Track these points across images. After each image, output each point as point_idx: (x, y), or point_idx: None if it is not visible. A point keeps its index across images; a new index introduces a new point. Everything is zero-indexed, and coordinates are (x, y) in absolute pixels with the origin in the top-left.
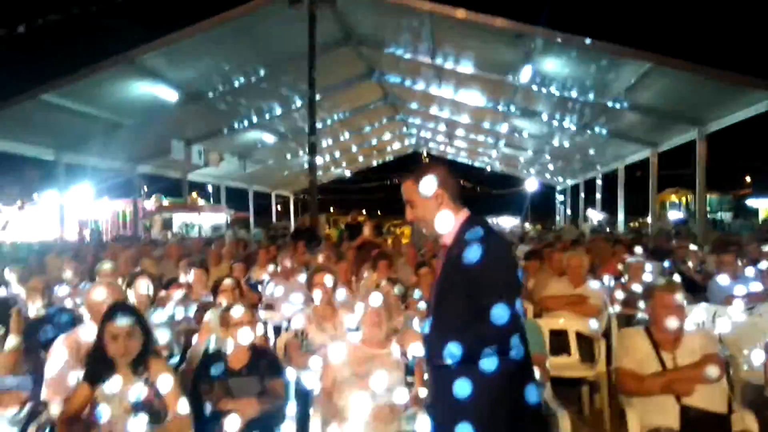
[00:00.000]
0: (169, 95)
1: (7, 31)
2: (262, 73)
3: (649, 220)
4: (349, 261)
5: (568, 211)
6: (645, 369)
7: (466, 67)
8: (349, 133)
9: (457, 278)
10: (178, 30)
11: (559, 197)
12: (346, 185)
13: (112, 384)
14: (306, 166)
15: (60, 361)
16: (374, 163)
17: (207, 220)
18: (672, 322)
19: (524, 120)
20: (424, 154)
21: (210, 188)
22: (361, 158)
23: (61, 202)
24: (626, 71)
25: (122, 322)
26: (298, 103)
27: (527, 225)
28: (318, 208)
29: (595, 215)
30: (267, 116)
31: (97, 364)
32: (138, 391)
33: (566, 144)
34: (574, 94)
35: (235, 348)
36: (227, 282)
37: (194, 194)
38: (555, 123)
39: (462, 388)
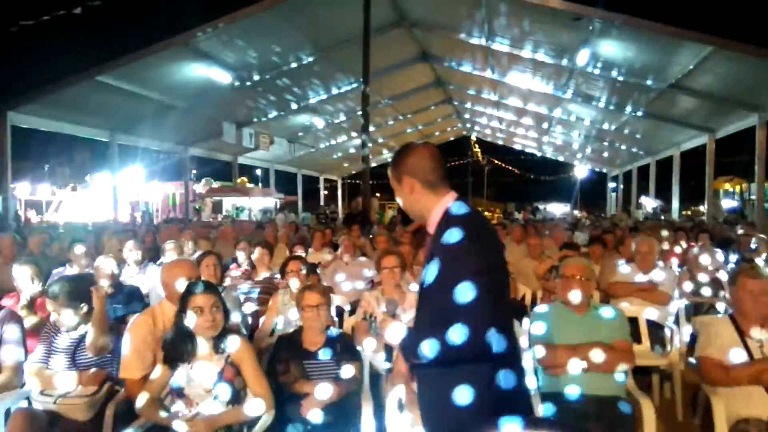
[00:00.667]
0: (222, 77)
1: (65, 12)
2: (313, 55)
3: (703, 207)
4: (406, 245)
5: (618, 199)
6: (730, 358)
7: (521, 51)
8: (399, 117)
9: (434, 268)
10: (233, 11)
11: (611, 184)
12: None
13: (194, 361)
14: (353, 151)
15: (137, 339)
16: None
17: (257, 203)
18: (759, 308)
19: (578, 104)
20: (473, 138)
21: (258, 172)
22: (409, 142)
23: (114, 183)
24: (686, 55)
25: (208, 294)
26: (349, 86)
27: (576, 212)
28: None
29: (649, 202)
30: (317, 100)
31: (179, 341)
32: (219, 368)
33: (620, 129)
34: (631, 78)
35: (310, 330)
36: (295, 263)
37: (243, 178)
38: (610, 108)
39: (434, 390)
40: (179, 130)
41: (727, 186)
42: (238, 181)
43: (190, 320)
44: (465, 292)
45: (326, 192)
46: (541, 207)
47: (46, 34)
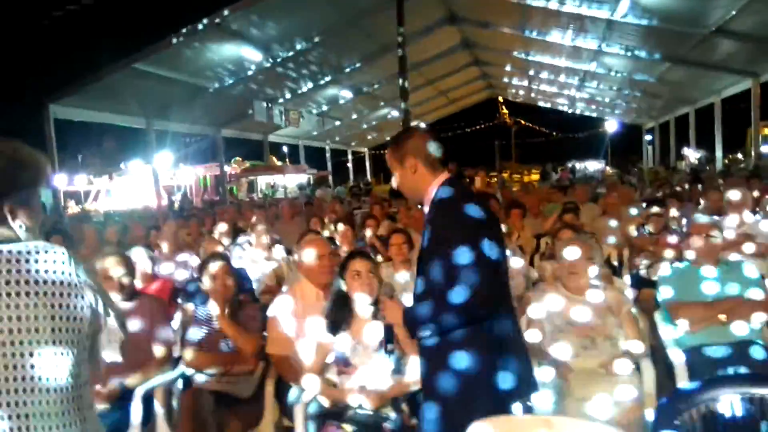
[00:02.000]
0: (253, 55)
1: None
2: (341, 26)
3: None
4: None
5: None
6: None
7: (556, 4)
8: (425, 82)
9: (431, 246)
10: None
11: (647, 137)
12: None
13: (356, 327)
14: (381, 121)
15: (283, 316)
16: (450, 113)
17: (290, 180)
18: None
19: (614, 57)
20: (500, 100)
21: (285, 149)
22: (435, 108)
23: (152, 169)
24: None
25: (365, 260)
26: (377, 55)
27: (608, 168)
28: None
29: (692, 153)
30: (346, 71)
31: (339, 307)
32: (378, 332)
33: (658, 79)
34: (670, 25)
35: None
36: (399, 236)
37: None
38: (648, 57)
39: (437, 364)
40: (211, 112)
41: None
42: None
43: (349, 285)
44: (460, 254)
45: (352, 165)
46: (577, 166)
47: (79, 24)
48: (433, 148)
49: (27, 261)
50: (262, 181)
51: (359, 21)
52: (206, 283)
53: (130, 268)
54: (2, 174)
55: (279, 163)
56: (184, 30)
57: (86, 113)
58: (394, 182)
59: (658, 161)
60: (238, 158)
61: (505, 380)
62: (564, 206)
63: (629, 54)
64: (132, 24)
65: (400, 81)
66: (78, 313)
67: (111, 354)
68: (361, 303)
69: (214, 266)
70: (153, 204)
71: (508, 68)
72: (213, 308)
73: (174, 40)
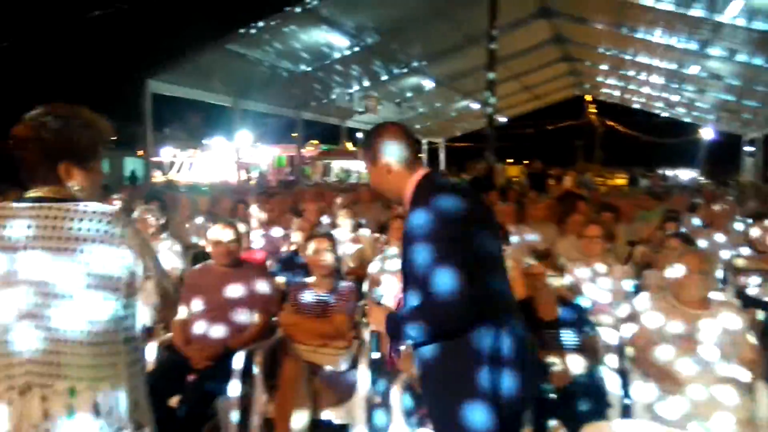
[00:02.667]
0: (340, 42)
1: None
2: (429, 15)
3: None
4: (550, 212)
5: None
6: None
7: (659, 2)
8: (510, 76)
9: (410, 248)
10: None
11: (748, 148)
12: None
13: None
14: (459, 113)
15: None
16: (532, 108)
17: (364, 166)
18: None
19: (716, 60)
20: (589, 98)
21: (360, 135)
22: (518, 103)
23: (235, 146)
24: None
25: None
26: (463, 46)
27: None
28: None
29: None
30: (429, 61)
31: None
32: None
33: (766, 87)
34: None
35: (542, 299)
36: None
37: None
38: (757, 63)
39: (427, 372)
40: (293, 94)
41: None
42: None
43: None
44: (433, 257)
45: (427, 155)
46: (669, 173)
47: (179, 6)
48: (406, 146)
49: (71, 219)
50: (336, 165)
51: (448, 11)
52: (309, 257)
53: (237, 236)
54: (58, 134)
55: (353, 149)
56: (277, 14)
57: (180, 89)
58: (371, 183)
59: (760, 175)
60: (313, 141)
61: (500, 392)
62: (666, 214)
63: (736, 59)
64: (227, 7)
65: (488, 74)
66: (113, 272)
67: (144, 317)
68: None
69: (320, 242)
70: (232, 179)
71: (600, 66)
72: (313, 282)
73: (266, 24)
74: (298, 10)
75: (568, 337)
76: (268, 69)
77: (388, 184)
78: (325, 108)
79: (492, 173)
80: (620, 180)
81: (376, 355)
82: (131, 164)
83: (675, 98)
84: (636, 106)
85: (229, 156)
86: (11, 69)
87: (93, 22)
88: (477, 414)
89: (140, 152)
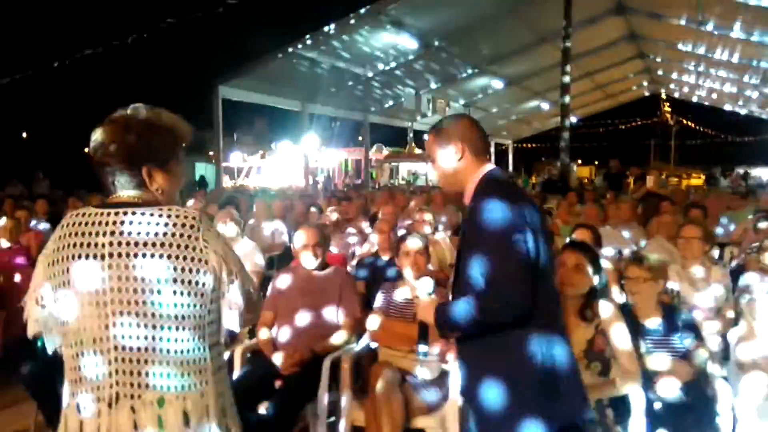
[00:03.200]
0: (409, 44)
1: None
2: (499, 15)
3: None
4: (633, 213)
5: None
6: None
7: None
8: (582, 74)
9: (471, 241)
10: None
11: None
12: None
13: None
14: (529, 113)
15: None
16: (605, 108)
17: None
18: None
19: None
20: (663, 96)
21: (426, 137)
22: (590, 102)
23: (304, 151)
24: None
25: (576, 252)
26: (534, 45)
27: None
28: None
29: None
30: (500, 61)
31: None
32: (589, 336)
33: None
34: None
35: (643, 305)
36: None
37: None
38: None
39: (474, 370)
40: (362, 98)
41: None
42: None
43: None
44: (503, 253)
45: (495, 156)
46: (746, 172)
47: (248, 12)
48: (479, 136)
49: (156, 224)
50: (403, 168)
51: (519, 10)
52: (402, 259)
53: (323, 240)
54: (140, 137)
55: (419, 151)
56: (345, 18)
57: (249, 94)
58: (433, 170)
59: None
60: (379, 144)
61: (552, 400)
62: (758, 214)
63: None
64: (295, 12)
65: (562, 75)
66: (197, 276)
67: (229, 322)
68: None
69: (413, 243)
70: (300, 183)
71: (674, 63)
72: (414, 284)
73: (334, 28)
74: (362, 11)
75: (672, 344)
76: (336, 72)
77: (454, 172)
78: (393, 110)
79: (566, 174)
80: (695, 180)
81: (423, 348)
82: (201, 169)
83: (754, 95)
84: (711, 104)
85: (296, 160)
86: (88, 77)
87: (166, 31)
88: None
89: (210, 157)
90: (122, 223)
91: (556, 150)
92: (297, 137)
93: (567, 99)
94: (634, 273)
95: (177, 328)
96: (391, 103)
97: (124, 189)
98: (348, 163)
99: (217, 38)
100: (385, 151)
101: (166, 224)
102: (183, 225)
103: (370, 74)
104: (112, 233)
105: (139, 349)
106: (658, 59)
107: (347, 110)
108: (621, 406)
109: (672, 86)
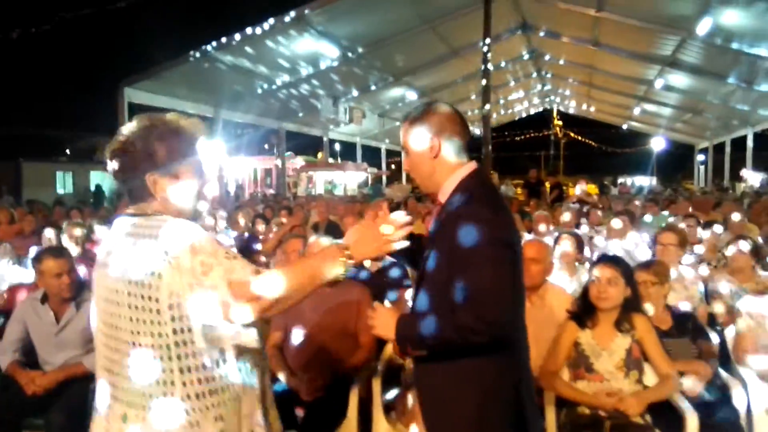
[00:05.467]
0: (330, 52)
1: None
2: (418, 27)
3: None
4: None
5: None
6: None
7: (631, 20)
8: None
9: (443, 246)
10: None
11: (699, 156)
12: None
13: (598, 331)
14: None
15: None
16: (503, 122)
17: (349, 178)
18: None
19: (681, 74)
20: (555, 112)
21: (337, 146)
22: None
23: (220, 158)
24: None
25: (610, 266)
26: (447, 58)
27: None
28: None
29: (753, 175)
30: (414, 72)
31: (583, 312)
32: (627, 346)
33: (721, 100)
34: (747, 47)
35: (653, 309)
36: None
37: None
38: (715, 77)
39: (438, 388)
40: (278, 105)
41: None
42: (319, 156)
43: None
44: (489, 266)
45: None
46: (626, 181)
47: (159, 10)
48: (461, 132)
49: (147, 236)
50: (319, 177)
51: (437, 24)
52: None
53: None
54: (141, 146)
55: (331, 160)
56: (268, 23)
57: (158, 98)
58: (406, 163)
59: (710, 182)
60: (290, 152)
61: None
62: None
63: (696, 73)
64: (212, 13)
65: (483, 99)
66: (150, 292)
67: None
68: (605, 313)
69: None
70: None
71: (569, 80)
72: None
73: (253, 32)
74: (287, 19)
75: (685, 346)
76: (254, 78)
77: (428, 169)
78: (308, 119)
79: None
80: (590, 189)
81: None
82: (98, 178)
83: (636, 111)
84: (598, 118)
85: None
86: None
87: (67, 25)
88: None
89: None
90: (122, 234)
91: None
92: (219, 145)
93: (487, 107)
94: (641, 277)
95: (133, 344)
96: (307, 111)
97: (134, 200)
98: (257, 172)
99: (124, 38)
100: (298, 159)
101: (155, 237)
102: (150, 235)
103: (288, 80)
104: (113, 243)
105: (111, 360)
106: (554, 76)
107: (262, 117)
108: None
109: (564, 102)
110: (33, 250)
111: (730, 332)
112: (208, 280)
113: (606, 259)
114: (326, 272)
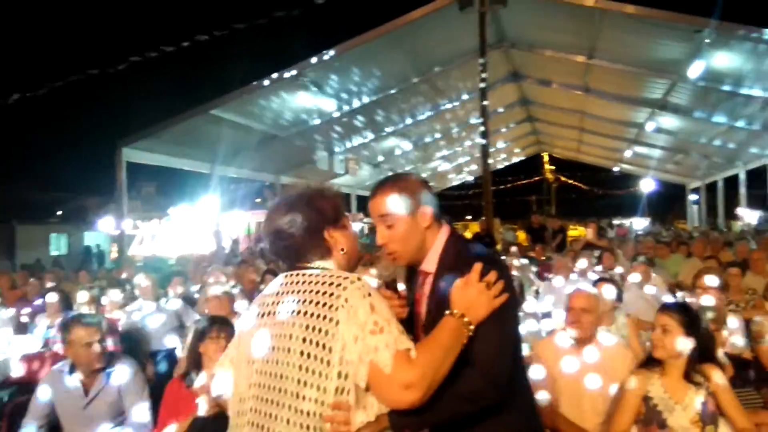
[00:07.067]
0: (327, 106)
1: (176, 48)
2: (414, 80)
3: None
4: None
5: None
6: None
7: (621, 65)
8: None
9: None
10: (342, 43)
11: (692, 196)
12: (458, 191)
13: (666, 389)
14: (436, 172)
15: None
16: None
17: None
18: None
19: (672, 116)
20: (546, 157)
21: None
22: (473, 166)
23: (212, 214)
24: None
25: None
26: (441, 107)
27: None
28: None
29: (749, 213)
30: (409, 124)
31: (646, 364)
32: (702, 398)
33: (711, 140)
34: (736, 88)
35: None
36: None
37: None
38: (706, 118)
39: None
40: (276, 160)
41: None
42: None
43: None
44: (499, 327)
45: None
46: (624, 223)
47: (157, 70)
48: (433, 194)
49: (310, 291)
50: None
51: (431, 76)
52: None
53: None
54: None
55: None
56: (264, 79)
57: (156, 157)
58: (386, 235)
59: (704, 221)
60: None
61: None
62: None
63: (688, 114)
64: (210, 72)
65: (481, 128)
66: (322, 354)
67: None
68: (672, 365)
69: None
70: (202, 250)
71: (559, 125)
72: None
73: (254, 89)
74: (284, 76)
75: (750, 396)
76: (251, 134)
77: (419, 239)
78: (305, 172)
79: (491, 229)
80: (574, 231)
81: None
82: (92, 239)
83: (628, 153)
84: (588, 161)
85: (197, 225)
86: None
87: (62, 89)
88: None
89: (102, 225)
90: (288, 284)
91: (457, 207)
92: (198, 200)
93: (489, 161)
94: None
95: (297, 395)
96: (303, 164)
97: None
98: (251, 226)
99: (122, 98)
100: None
101: (316, 291)
102: (325, 293)
103: (284, 135)
104: (277, 293)
105: (266, 414)
106: (544, 122)
107: (258, 171)
108: None
109: (554, 147)
110: (41, 317)
111: None
112: (374, 340)
113: (663, 307)
114: (458, 348)
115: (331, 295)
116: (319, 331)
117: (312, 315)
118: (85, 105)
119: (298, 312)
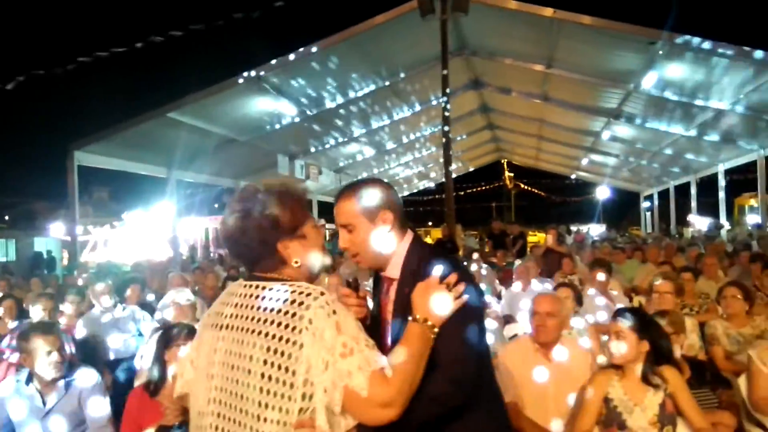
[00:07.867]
0: (288, 110)
1: (128, 49)
2: (375, 85)
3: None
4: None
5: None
6: None
7: (579, 75)
8: (438, 144)
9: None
10: (303, 46)
11: (645, 203)
12: (420, 197)
13: (626, 391)
14: (397, 178)
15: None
16: (455, 174)
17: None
18: None
19: (627, 126)
20: (505, 164)
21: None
22: (435, 172)
23: (168, 219)
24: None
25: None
26: (401, 113)
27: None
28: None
29: (700, 220)
30: (370, 128)
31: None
32: (659, 401)
33: (665, 148)
34: (690, 99)
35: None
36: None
37: None
38: (660, 128)
39: None
40: (235, 164)
41: (752, 202)
42: None
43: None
44: (454, 333)
45: None
46: (581, 229)
47: (111, 72)
48: (401, 203)
49: (270, 298)
50: None
51: (393, 82)
52: None
53: None
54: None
55: None
56: (223, 82)
57: (110, 161)
58: (348, 239)
59: (657, 227)
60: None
61: None
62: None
63: (642, 124)
64: (168, 74)
65: (444, 151)
66: (288, 363)
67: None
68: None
69: None
70: (157, 256)
71: (518, 133)
72: None
73: (213, 92)
74: (243, 78)
75: (706, 396)
76: (210, 138)
77: (381, 243)
78: (264, 177)
79: (453, 235)
80: (533, 237)
81: None
82: (42, 244)
83: (584, 161)
84: (547, 168)
85: (153, 231)
86: None
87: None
88: None
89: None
90: (247, 296)
91: (419, 213)
92: (154, 205)
93: (451, 166)
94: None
95: (259, 417)
96: (264, 169)
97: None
98: (209, 232)
99: (75, 101)
100: None
101: (277, 310)
102: (293, 301)
103: (244, 139)
104: (235, 305)
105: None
106: (504, 129)
107: (217, 176)
108: None
109: (514, 154)
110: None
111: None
112: (345, 364)
113: (616, 314)
114: (427, 353)
115: (293, 315)
116: (282, 354)
117: (273, 337)
118: (35, 107)
119: (258, 332)
